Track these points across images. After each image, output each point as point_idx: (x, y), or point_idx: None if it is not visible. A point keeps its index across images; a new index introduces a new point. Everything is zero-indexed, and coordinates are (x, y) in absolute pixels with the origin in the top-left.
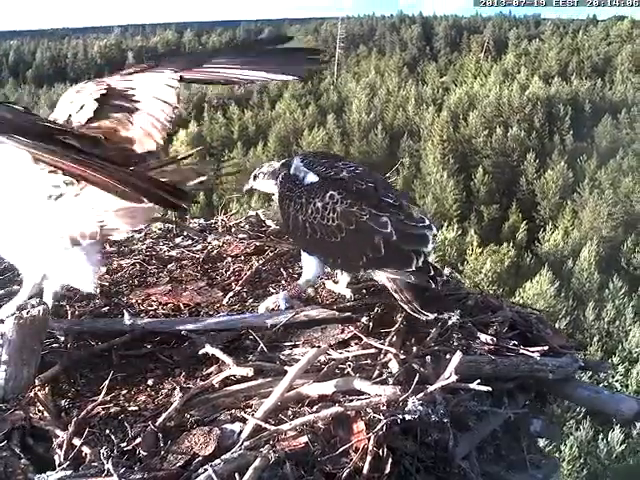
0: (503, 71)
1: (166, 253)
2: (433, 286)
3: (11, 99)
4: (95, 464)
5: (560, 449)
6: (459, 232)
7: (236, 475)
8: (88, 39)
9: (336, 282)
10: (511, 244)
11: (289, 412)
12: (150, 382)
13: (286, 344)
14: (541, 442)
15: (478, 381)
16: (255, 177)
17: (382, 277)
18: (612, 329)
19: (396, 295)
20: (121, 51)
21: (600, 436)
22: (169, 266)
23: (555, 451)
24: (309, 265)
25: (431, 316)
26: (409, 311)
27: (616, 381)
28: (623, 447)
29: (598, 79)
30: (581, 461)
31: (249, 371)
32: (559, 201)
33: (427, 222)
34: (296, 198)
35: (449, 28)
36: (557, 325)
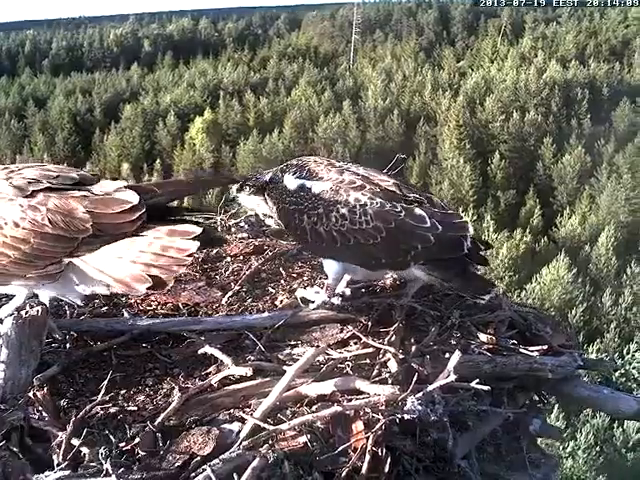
0: (520, 55)
1: None
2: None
3: (27, 89)
4: (94, 464)
5: (576, 437)
6: (475, 218)
7: (235, 475)
8: (104, 28)
9: None
10: (528, 230)
11: (288, 412)
12: (149, 382)
13: (285, 344)
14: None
15: (477, 380)
16: (240, 189)
17: (426, 273)
18: (629, 315)
19: (447, 285)
20: (137, 39)
21: (616, 424)
22: None
23: (570, 439)
24: (331, 269)
25: (487, 297)
26: (467, 297)
27: (633, 368)
28: (639, 435)
29: (616, 62)
30: (597, 449)
31: (248, 370)
32: (576, 186)
33: (450, 210)
34: (309, 210)
35: (466, 12)
36: (574, 311)
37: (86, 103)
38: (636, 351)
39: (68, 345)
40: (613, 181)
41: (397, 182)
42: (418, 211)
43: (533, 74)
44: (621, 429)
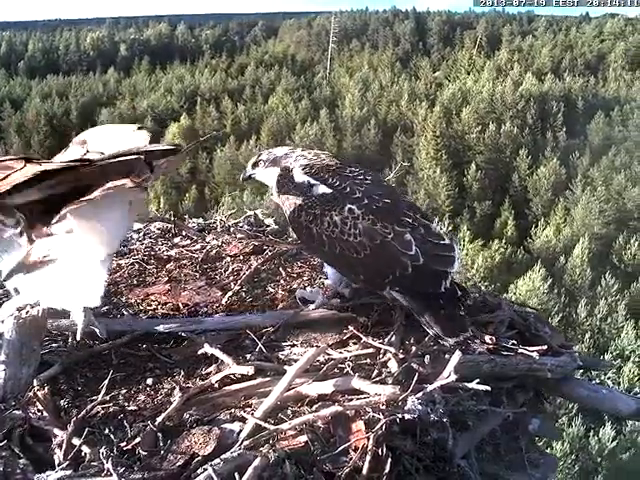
0: (496, 67)
1: (165, 253)
2: (461, 309)
3: (3, 91)
4: (95, 464)
5: (552, 445)
6: (451, 228)
7: (236, 474)
8: (80, 31)
9: None
10: (503, 240)
11: (289, 411)
12: (149, 382)
13: (285, 344)
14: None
15: (477, 380)
16: (255, 165)
17: (402, 299)
18: (604, 326)
19: (418, 318)
20: (114, 43)
21: (591, 433)
22: (168, 266)
23: (546, 447)
24: (330, 272)
25: (451, 341)
26: (432, 335)
27: (608, 378)
28: (614, 444)
29: (591, 76)
30: (573, 457)
31: (249, 369)
32: (551, 198)
33: (447, 240)
34: (307, 208)
35: (442, 24)
36: (549, 322)
37: (62, 106)
38: (611, 361)
39: (69, 345)
40: (588, 193)
41: (399, 200)
42: (407, 237)
43: (509, 86)
44: (596, 438)
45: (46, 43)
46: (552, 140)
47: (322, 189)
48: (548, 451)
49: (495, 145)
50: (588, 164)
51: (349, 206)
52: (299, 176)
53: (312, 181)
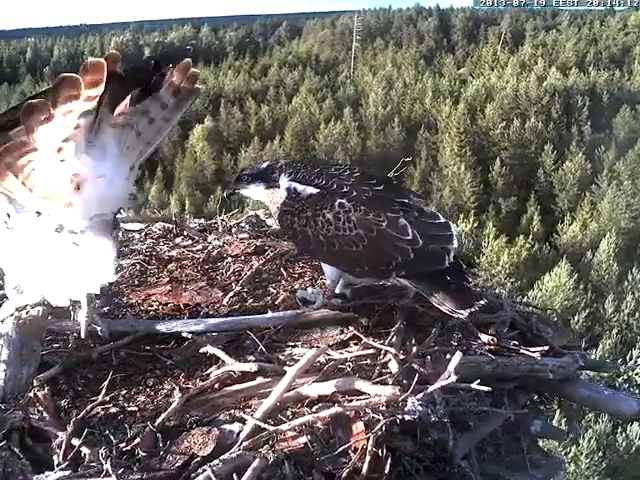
0: (520, 63)
1: (166, 253)
2: (469, 282)
3: (29, 97)
4: (94, 464)
5: (579, 442)
6: (476, 224)
7: (235, 475)
8: (105, 35)
9: None
10: (529, 236)
11: (288, 412)
12: (149, 382)
13: (286, 344)
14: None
15: (478, 381)
16: (239, 180)
17: (409, 283)
18: (632, 321)
19: (429, 298)
20: (138, 47)
21: (619, 430)
22: (169, 266)
23: (573, 444)
24: (327, 271)
25: (465, 313)
26: (446, 312)
27: (636, 374)
28: None
29: (616, 70)
30: (600, 454)
31: (253, 366)
32: (577, 193)
33: (442, 219)
34: (299, 212)
35: (466, 20)
36: (576, 318)
37: None
38: (639, 357)
39: (69, 345)
40: (614, 188)
41: (389, 188)
42: (402, 221)
43: (533, 81)
44: (624, 435)
45: (71, 48)
46: (577, 135)
47: (309, 190)
48: (574, 448)
49: (520, 141)
50: (614, 158)
51: (339, 201)
52: (285, 184)
53: (299, 186)
